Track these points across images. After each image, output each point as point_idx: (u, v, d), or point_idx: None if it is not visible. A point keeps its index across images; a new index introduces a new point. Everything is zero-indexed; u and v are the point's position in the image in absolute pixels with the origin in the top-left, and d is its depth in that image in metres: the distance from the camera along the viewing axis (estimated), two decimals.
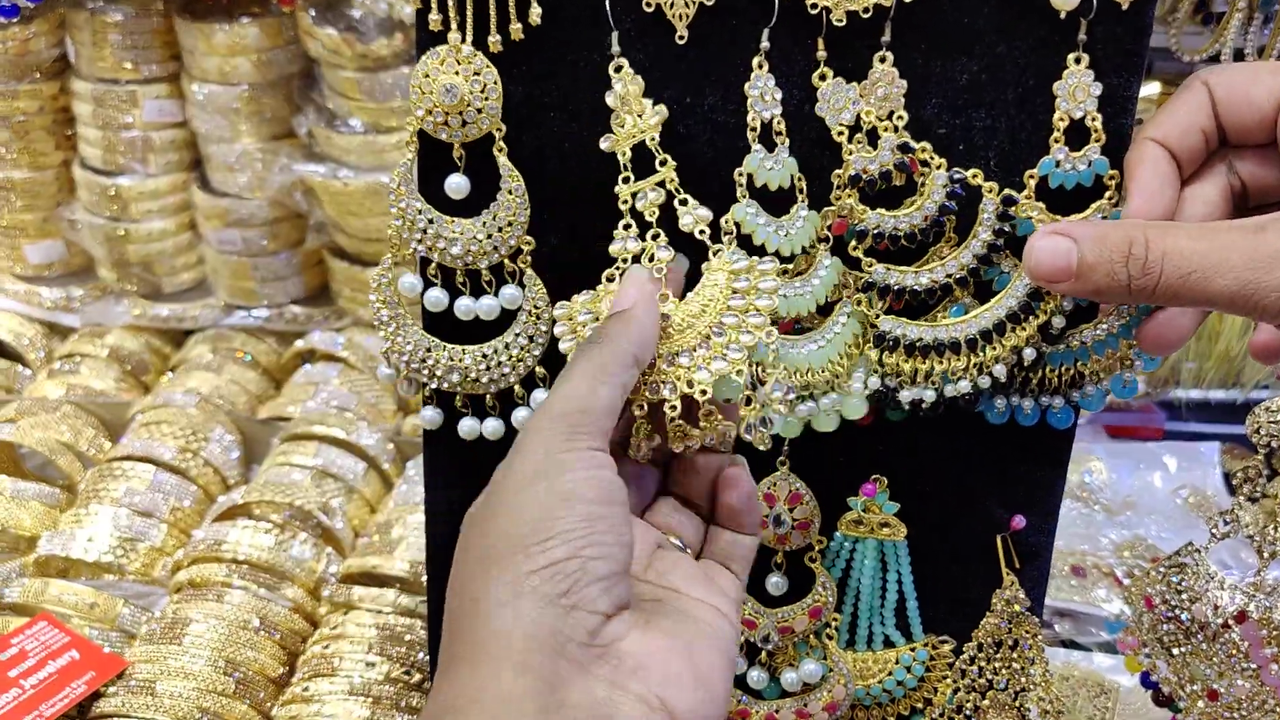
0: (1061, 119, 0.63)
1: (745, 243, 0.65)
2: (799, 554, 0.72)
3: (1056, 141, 0.63)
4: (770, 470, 0.71)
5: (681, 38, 0.63)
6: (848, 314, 0.66)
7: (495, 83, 0.63)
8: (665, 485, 0.65)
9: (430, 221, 0.66)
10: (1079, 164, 0.63)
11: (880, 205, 0.65)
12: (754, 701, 0.74)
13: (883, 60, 0.63)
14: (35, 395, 1.48)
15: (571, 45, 0.63)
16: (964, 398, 0.66)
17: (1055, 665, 1.02)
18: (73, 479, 1.30)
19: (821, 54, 0.63)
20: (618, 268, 0.63)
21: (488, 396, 0.69)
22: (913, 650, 0.75)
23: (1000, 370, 0.65)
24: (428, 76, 0.63)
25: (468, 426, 0.69)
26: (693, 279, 0.63)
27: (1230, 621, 0.69)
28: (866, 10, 0.61)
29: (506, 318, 0.68)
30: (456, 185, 0.65)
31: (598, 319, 0.62)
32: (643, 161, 0.64)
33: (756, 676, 0.73)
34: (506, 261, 0.67)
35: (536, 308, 0.67)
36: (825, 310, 0.66)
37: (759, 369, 0.61)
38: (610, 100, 0.63)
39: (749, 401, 0.60)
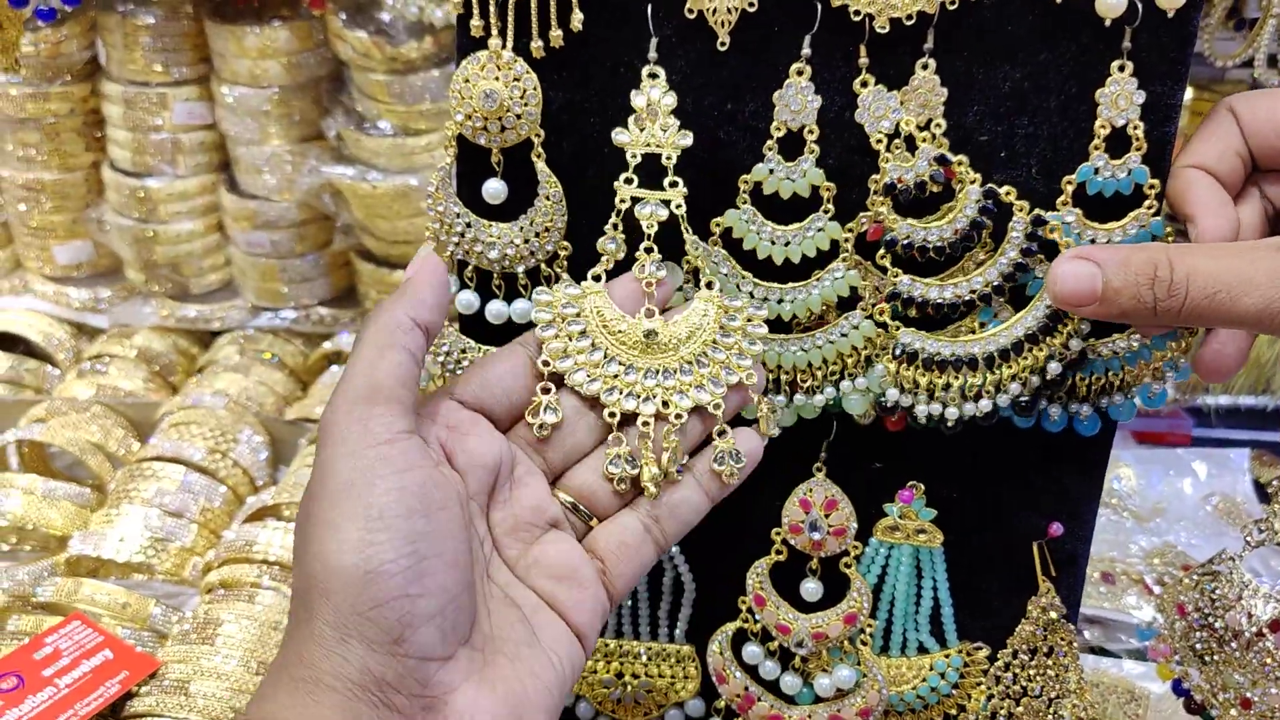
0: (1103, 126, 0.63)
1: (735, 248, 0.65)
2: (834, 560, 0.72)
3: (1097, 149, 0.63)
4: (807, 476, 0.71)
5: (723, 44, 0.63)
6: (859, 321, 0.66)
7: (535, 88, 0.63)
8: None
9: (468, 225, 0.66)
10: (1119, 172, 0.63)
11: (916, 213, 0.65)
12: (787, 706, 0.74)
13: (925, 67, 0.63)
14: (65, 395, 1.49)
15: (612, 51, 0.63)
16: (984, 416, 0.66)
17: (1085, 672, 1.02)
18: (102, 479, 1.31)
19: (864, 60, 0.63)
20: (605, 266, 0.64)
21: None
22: (947, 657, 0.74)
23: (1016, 388, 0.65)
24: (468, 81, 0.63)
25: None
26: None
27: (1264, 630, 0.69)
28: (910, 17, 0.61)
29: None
30: (494, 190, 0.65)
31: (580, 313, 0.63)
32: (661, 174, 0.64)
33: (790, 682, 0.73)
34: (543, 266, 0.67)
35: None
36: (846, 305, 0.66)
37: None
38: (636, 101, 0.63)
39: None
